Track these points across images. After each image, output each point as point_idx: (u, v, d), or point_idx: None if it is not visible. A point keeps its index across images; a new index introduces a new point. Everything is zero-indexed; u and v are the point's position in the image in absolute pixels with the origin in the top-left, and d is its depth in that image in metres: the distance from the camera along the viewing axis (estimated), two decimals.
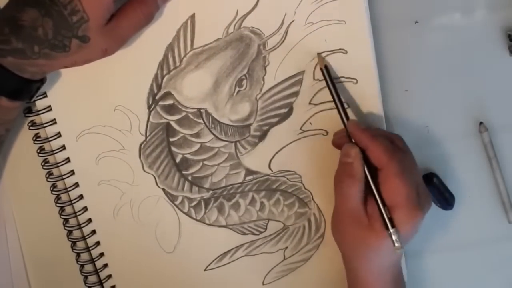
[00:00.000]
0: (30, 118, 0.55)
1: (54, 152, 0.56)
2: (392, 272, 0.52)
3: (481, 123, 0.57)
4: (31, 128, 0.55)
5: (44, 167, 0.57)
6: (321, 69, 0.53)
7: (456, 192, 0.59)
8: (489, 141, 0.57)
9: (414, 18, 0.55)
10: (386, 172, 0.49)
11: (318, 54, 0.53)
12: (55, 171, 0.57)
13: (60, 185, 0.57)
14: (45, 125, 0.55)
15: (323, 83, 0.54)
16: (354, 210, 0.51)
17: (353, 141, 0.52)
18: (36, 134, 0.56)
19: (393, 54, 0.56)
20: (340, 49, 0.54)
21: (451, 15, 0.55)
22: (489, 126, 0.57)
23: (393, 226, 0.49)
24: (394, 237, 0.49)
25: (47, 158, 0.56)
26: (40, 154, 0.56)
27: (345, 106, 0.54)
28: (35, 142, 0.56)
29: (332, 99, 0.53)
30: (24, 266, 0.59)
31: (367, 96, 0.55)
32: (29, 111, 0.55)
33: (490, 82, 0.56)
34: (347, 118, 0.52)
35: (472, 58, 0.56)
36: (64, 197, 0.57)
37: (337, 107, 0.53)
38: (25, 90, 0.50)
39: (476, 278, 0.61)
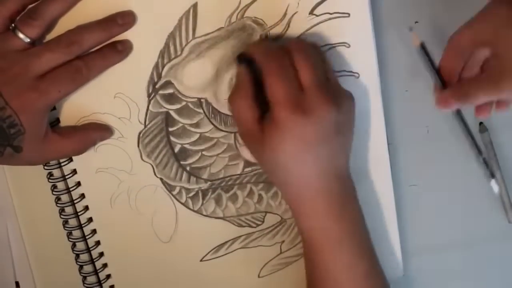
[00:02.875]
0: None
1: None
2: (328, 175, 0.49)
3: (481, 123, 0.57)
4: None
5: None
6: (421, 44, 0.50)
7: (456, 191, 0.59)
8: (489, 141, 0.57)
9: (414, 18, 0.55)
10: (264, 74, 0.49)
11: (413, 32, 0.50)
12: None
13: (56, 173, 0.57)
14: None
15: None
16: (249, 128, 0.50)
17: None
18: None
19: (393, 54, 0.56)
20: (343, 42, 0.54)
21: (451, 15, 0.55)
22: (489, 126, 0.57)
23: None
24: None
25: None
26: None
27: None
28: None
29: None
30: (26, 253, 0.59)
31: (368, 91, 0.55)
32: None
33: None
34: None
35: None
36: (60, 185, 0.57)
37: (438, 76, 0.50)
38: None
39: (476, 278, 0.61)
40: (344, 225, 0.50)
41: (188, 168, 0.57)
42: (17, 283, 0.60)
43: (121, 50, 0.52)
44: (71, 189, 0.57)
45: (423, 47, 0.50)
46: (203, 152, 0.56)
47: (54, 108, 0.55)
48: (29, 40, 0.50)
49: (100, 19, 0.52)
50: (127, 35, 0.53)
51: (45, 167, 0.56)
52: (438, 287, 0.61)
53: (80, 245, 0.59)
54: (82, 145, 0.54)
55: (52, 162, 0.56)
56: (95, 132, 0.54)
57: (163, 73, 0.54)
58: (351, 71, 0.54)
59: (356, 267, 0.51)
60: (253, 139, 0.51)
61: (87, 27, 0.51)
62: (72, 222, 0.58)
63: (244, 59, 0.51)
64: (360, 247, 0.51)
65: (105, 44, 0.52)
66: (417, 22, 0.55)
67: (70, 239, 0.58)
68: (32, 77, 0.49)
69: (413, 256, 0.60)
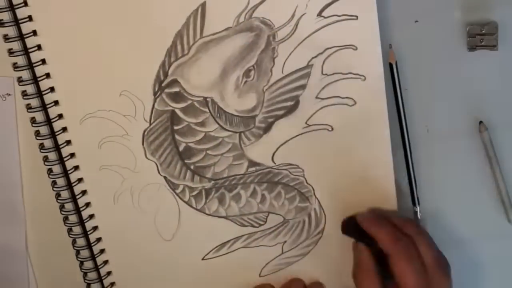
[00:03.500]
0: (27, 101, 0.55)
1: (56, 133, 0.55)
2: None
3: (481, 122, 0.57)
4: (29, 111, 0.55)
5: (42, 151, 0.56)
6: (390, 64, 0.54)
7: (456, 191, 0.59)
8: (489, 140, 0.57)
9: (414, 17, 0.55)
10: (393, 259, 0.52)
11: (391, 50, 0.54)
12: (51, 155, 0.56)
13: (56, 169, 0.56)
14: (47, 106, 0.55)
15: (331, 78, 0.54)
16: None
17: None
18: (32, 117, 0.55)
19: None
20: (350, 45, 0.54)
21: (451, 14, 0.55)
22: (489, 125, 0.57)
23: None
24: None
25: (43, 142, 0.56)
26: (38, 138, 0.56)
27: (352, 103, 0.54)
28: (33, 125, 0.55)
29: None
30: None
31: (374, 94, 0.55)
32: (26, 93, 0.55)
33: (490, 80, 0.56)
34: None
35: (472, 56, 0.55)
36: (60, 181, 0.57)
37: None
38: None
39: (476, 278, 0.61)
40: None
41: (192, 167, 0.57)
42: None
43: None
44: (73, 185, 0.57)
45: (391, 68, 0.55)
46: (208, 151, 0.56)
47: (58, 104, 0.54)
48: None
49: None
50: (133, 32, 0.53)
51: (46, 163, 0.56)
52: None
53: (81, 241, 0.58)
54: None
55: (52, 158, 0.56)
56: None
57: (170, 72, 0.54)
58: (357, 74, 0.54)
59: None
60: None
61: None
62: (73, 218, 0.58)
63: (365, 240, 0.54)
64: None
65: None
66: (417, 21, 0.55)
67: (70, 235, 0.58)
68: None
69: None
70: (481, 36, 0.54)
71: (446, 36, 0.55)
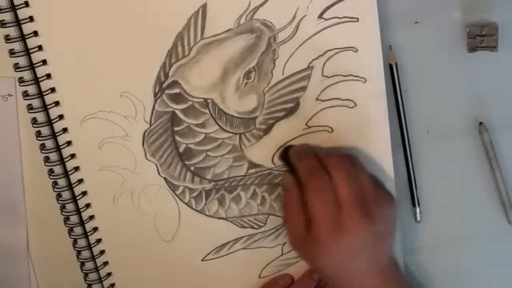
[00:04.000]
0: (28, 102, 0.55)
1: (57, 134, 0.55)
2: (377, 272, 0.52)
3: (481, 123, 0.57)
4: (30, 111, 0.55)
5: (43, 151, 0.56)
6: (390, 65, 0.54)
7: (456, 192, 0.59)
8: (489, 141, 0.57)
9: (414, 18, 0.55)
10: (306, 190, 0.51)
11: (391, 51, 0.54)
12: (52, 156, 0.56)
13: (57, 170, 0.56)
14: (48, 107, 0.55)
15: (332, 80, 0.54)
16: (299, 233, 0.52)
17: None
18: (34, 118, 0.55)
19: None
20: (351, 47, 0.54)
21: (451, 15, 0.55)
22: (489, 126, 0.57)
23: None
24: None
25: (44, 142, 0.56)
26: (39, 138, 0.56)
27: (352, 105, 0.54)
28: (34, 125, 0.55)
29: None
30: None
31: (374, 96, 0.55)
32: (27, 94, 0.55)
33: (490, 81, 0.56)
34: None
35: (472, 57, 0.55)
36: (61, 182, 0.57)
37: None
38: None
39: (475, 278, 0.61)
40: None
41: (192, 168, 0.57)
42: None
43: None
44: (73, 186, 0.57)
45: (391, 69, 0.55)
46: (208, 153, 0.56)
47: (59, 104, 0.54)
48: None
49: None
50: (134, 33, 0.53)
51: (46, 164, 0.56)
52: (438, 286, 0.61)
53: (82, 242, 0.58)
54: None
55: (53, 158, 0.56)
56: None
57: (170, 73, 0.54)
58: (358, 76, 0.55)
59: None
60: (303, 244, 0.52)
61: None
62: (74, 219, 0.58)
63: (286, 163, 0.55)
64: None
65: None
66: (417, 22, 0.55)
67: (71, 236, 0.58)
68: None
69: (413, 256, 0.60)
70: (481, 37, 0.54)
71: (446, 37, 0.55)
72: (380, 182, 0.54)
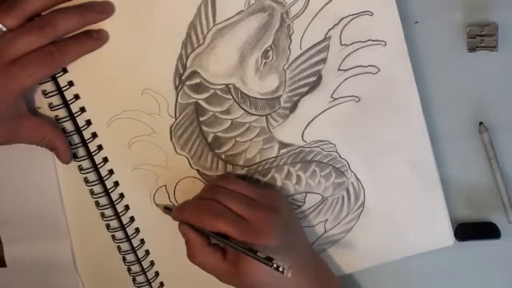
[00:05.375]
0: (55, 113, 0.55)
1: (88, 141, 0.56)
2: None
3: (481, 123, 0.56)
4: (59, 122, 0.55)
5: (76, 160, 0.56)
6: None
7: (456, 192, 0.58)
8: (489, 141, 0.56)
9: (414, 18, 0.55)
10: (202, 223, 0.53)
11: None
12: (85, 164, 0.56)
13: (91, 177, 0.57)
14: (75, 114, 0.55)
15: (351, 48, 0.54)
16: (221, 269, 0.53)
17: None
18: (62, 128, 0.55)
19: None
20: (365, 11, 0.53)
21: (451, 15, 0.55)
22: (489, 126, 0.56)
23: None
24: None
25: (75, 151, 0.56)
26: (72, 147, 0.56)
27: (376, 71, 0.53)
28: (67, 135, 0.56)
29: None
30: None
31: (397, 58, 0.54)
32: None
33: (490, 81, 0.56)
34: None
35: (472, 57, 0.55)
36: (97, 189, 0.57)
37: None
38: None
39: (476, 278, 0.60)
40: None
41: (223, 156, 0.56)
42: None
43: (96, 38, 0.52)
44: (110, 191, 0.57)
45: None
46: (237, 139, 0.56)
47: (84, 110, 0.55)
48: (5, 29, 0.50)
49: (77, 4, 0.51)
50: (146, 29, 0.53)
51: (81, 172, 0.56)
52: (438, 286, 0.61)
53: (125, 246, 0.59)
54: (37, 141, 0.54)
55: (86, 166, 0.56)
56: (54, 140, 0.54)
57: (188, 64, 0.54)
58: (377, 40, 0.54)
59: None
60: (229, 276, 0.53)
61: (63, 10, 0.51)
62: (114, 224, 0.58)
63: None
64: None
65: (80, 31, 0.52)
66: (417, 22, 0.55)
67: (115, 241, 0.58)
68: (5, 62, 0.50)
69: (413, 256, 0.59)
70: (481, 37, 0.54)
71: (446, 37, 0.55)
72: (259, 185, 0.56)
